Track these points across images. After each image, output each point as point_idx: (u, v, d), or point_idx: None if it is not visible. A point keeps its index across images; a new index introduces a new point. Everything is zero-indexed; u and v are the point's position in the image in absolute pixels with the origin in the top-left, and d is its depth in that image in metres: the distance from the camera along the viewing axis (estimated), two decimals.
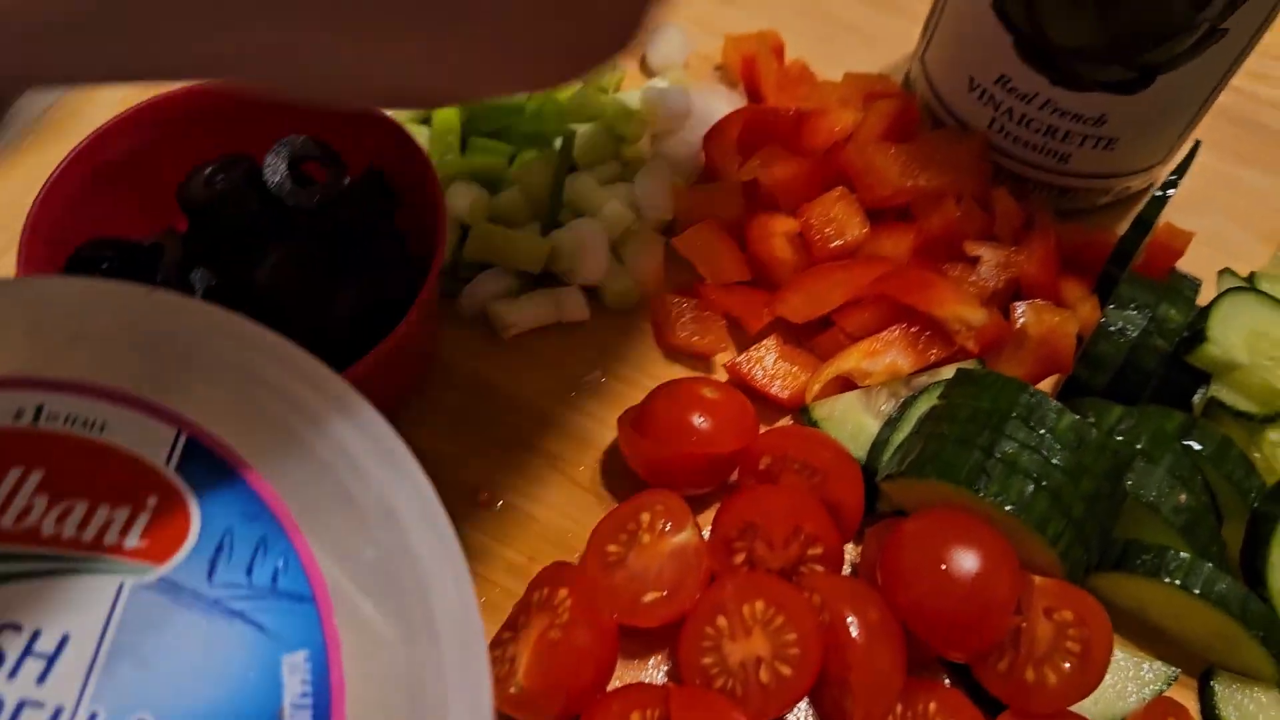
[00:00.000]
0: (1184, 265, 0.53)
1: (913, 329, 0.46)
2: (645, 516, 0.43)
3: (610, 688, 0.41)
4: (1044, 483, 0.41)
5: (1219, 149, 0.59)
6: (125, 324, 0.32)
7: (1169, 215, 0.54)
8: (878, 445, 0.45)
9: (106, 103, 0.54)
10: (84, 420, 0.31)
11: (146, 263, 0.44)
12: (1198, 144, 0.49)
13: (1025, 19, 0.45)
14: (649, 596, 0.41)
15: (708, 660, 0.40)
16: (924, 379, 0.47)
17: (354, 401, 0.32)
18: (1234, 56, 0.45)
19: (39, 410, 0.31)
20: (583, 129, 0.51)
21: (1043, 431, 0.42)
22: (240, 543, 0.29)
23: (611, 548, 0.43)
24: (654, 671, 0.42)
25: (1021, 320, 0.45)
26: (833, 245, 0.46)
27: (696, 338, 0.48)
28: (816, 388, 0.46)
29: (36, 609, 0.28)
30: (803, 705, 0.42)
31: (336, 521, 0.30)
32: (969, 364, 0.47)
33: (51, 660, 0.27)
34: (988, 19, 0.46)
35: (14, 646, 0.27)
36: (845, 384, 0.47)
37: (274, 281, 0.42)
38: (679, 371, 0.48)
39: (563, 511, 0.45)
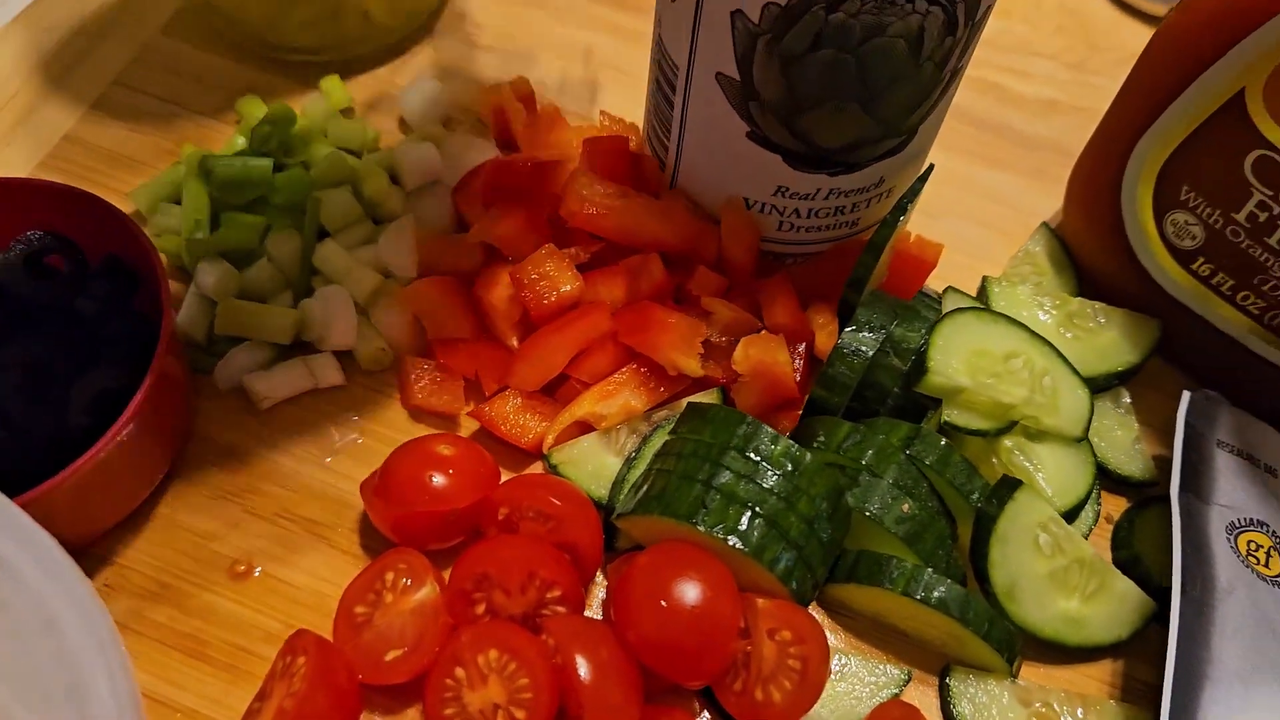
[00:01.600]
0: (942, 275, 0.55)
1: (642, 369, 0.48)
2: (389, 576, 0.44)
3: None
4: (759, 509, 0.42)
5: (967, 154, 0.62)
6: None
7: (919, 225, 0.57)
8: (617, 483, 0.47)
9: None
10: None
11: None
12: (929, 168, 0.51)
13: (789, 138, 0.46)
14: (390, 655, 0.43)
15: (449, 711, 0.41)
16: (664, 413, 0.49)
17: (21, 521, 0.33)
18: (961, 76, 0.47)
19: None
20: (329, 194, 0.53)
21: (757, 459, 0.43)
22: None
23: (359, 609, 0.44)
24: None
25: (737, 357, 0.47)
26: (545, 301, 0.48)
27: (434, 398, 0.49)
28: (550, 438, 0.47)
29: None
30: None
31: None
32: (709, 394, 0.49)
33: None
34: (747, 147, 0.47)
35: None
36: (589, 427, 0.48)
37: (4, 389, 0.43)
38: (426, 430, 0.50)
39: (321, 576, 0.46)
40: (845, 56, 0.42)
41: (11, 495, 0.37)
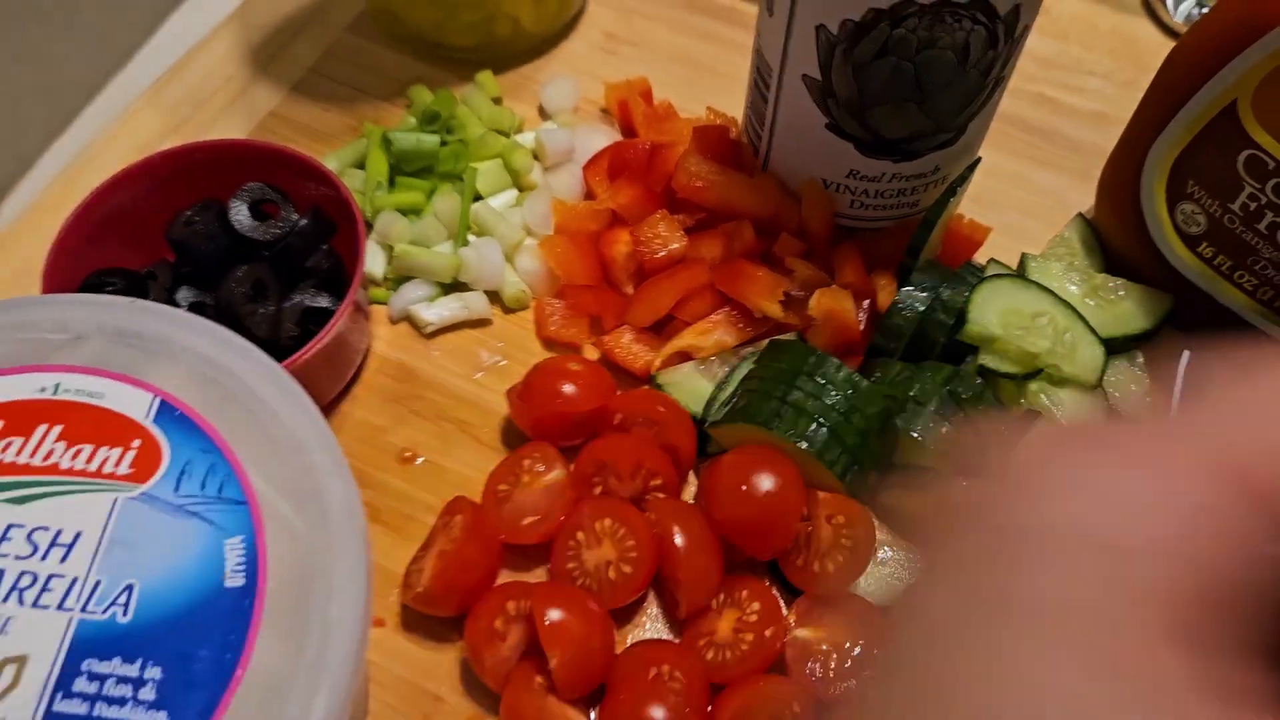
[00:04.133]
0: (988, 252, 0.65)
1: (734, 312, 0.59)
2: (526, 462, 0.56)
3: None
4: (823, 420, 0.53)
5: (1020, 155, 0.72)
6: (116, 325, 0.45)
7: (973, 212, 0.67)
8: (710, 401, 0.58)
9: (107, 163, 0.68)
10: (89, 391, 0.44)
11: (143, 285, 0.58)
12: (978, 160, 0.61)
13: (860, 129, 0.57)
14: (527, 520, 0.54)
15: (571, 565, 0.53)
16: (750, 349, 0.59)
17: (275, 371, 0.45)
18: (1008, 81, 0.58)
19: (57, 386, 0.44)
20: (484, 165, 0.65)
21: (823, 382, 0.54)
22: (196, 468, 0.42)
23: (501, 486, 0.55)
24: (537, 578, 0.55)
25: (811, 304, 0.58)
26: (658, 255, 0.59)
27: (564, 330, 0.61)
28: (658, 361, 0.58)
29: (59, 515, 0.41)
30: (653, 601, 0.54)
31: (263, 451, 0.43)
32: (787, 336, 0.60)
33: (69, 548, 0.40)
34: (825, 136, 0.57)
35: (44, 540, 0.40)
36: (688, 357, 0.59)
37: (233, 296, 0.55)
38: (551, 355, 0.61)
39: (470, 464, 0.58)
40: (905, 64, 0.53)
41: None
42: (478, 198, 0.65)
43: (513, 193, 0.66)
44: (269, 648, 0.39)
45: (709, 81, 0.73)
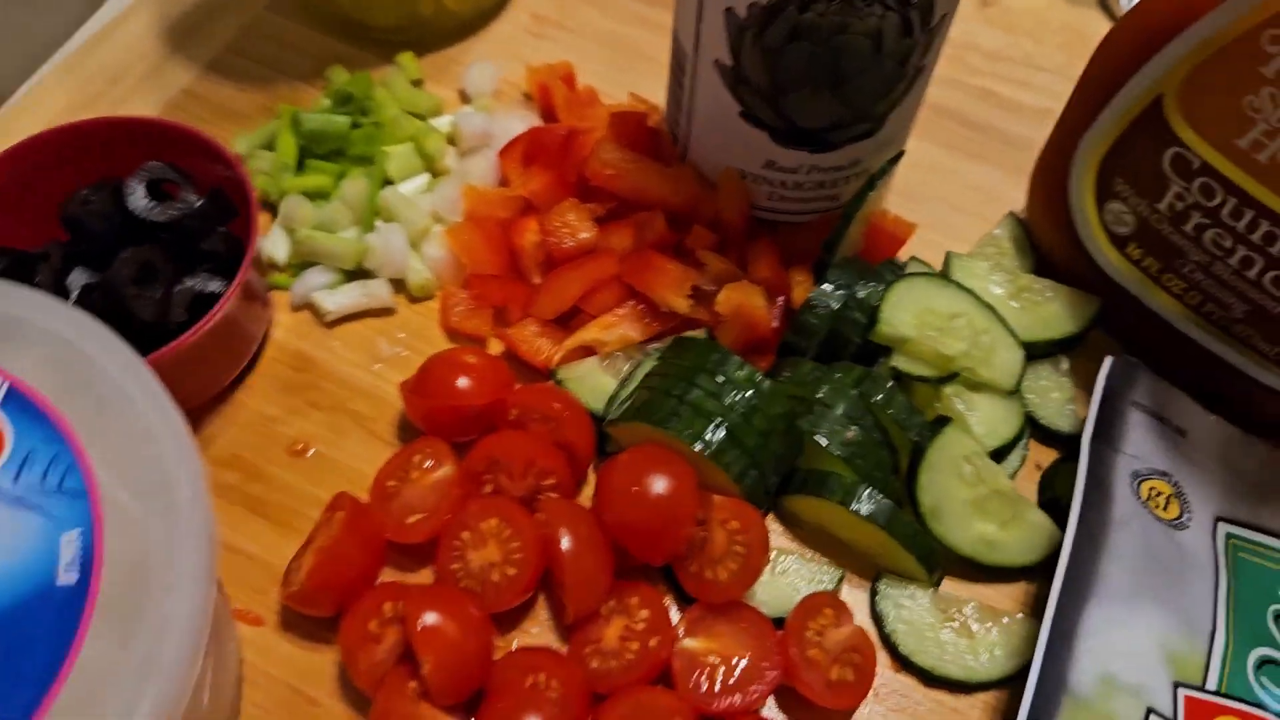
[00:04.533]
0: (914, 249, 0.63)
1: (640, 306, 0.57)
2: (416, 458, 0.54)
3: None
4: (722, 421, 0.51)
5: (951, 149, 0.70)
6: None
7: (902, 207, 0.65)
8: (611, 399, 0.56)
9: (11, 137, 0.66)
10: None
11: (31, 265, 0.55)
12: (900, 153, 0.59)
13: (775, 118, 0.54)
14: (412, 518, 0.52)
15: (455, 566, 0.51)
16: (656, 345, 0.57)
17: (132, 360, 0.43)
18: (931, 71, 0.55)
19: None
20: (396, 149, 0.63)
21: (723, 380, 0.52)
22: (38, 457, 0.40)
23: (390, 482, 0.53)
24: (423, 579, 0.53)
25: (720, 300, 0.55)
26: (565, 245, 0.57)
27: (467, 321, 0.59)
28: (558, 356, 0.56)
29: None
30: (543, 606, 0.52)
31: (111, 442, 0.41)
32: (695, 332, 0.57)
33: None
34: (740, 125, 0.55)
35: None
36: (592, 352, 0.57)
37: (119, 278, 0.53)
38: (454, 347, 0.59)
39: (362, 458, 0.56)
40: (817, 49, 0.50)
41: None
42: (388, 183, 0.63)
43: (424, 178, 0.63)
44: (98, 646, 0.38)
45: (639, 67, 0.70)
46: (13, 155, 0.56)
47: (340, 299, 0.59)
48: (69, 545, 0.39)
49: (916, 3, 0.49)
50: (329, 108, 0.65)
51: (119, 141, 0.58)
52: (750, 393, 0.52)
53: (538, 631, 0.52)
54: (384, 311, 0.60)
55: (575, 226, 0.58)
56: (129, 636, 0.38)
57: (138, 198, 0.56)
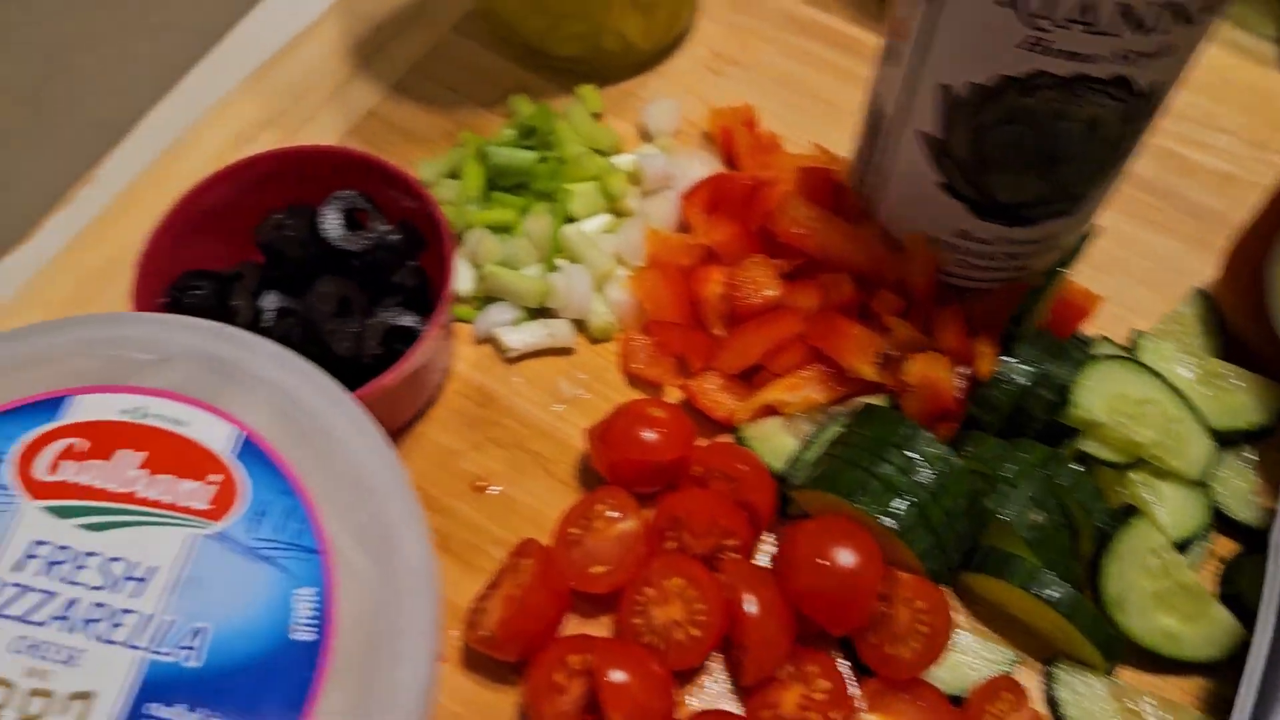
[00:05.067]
0: (1097, 321, 0.62)
1: (825, 369, 0.57)
2: (599, 507, 0.55)
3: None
4: (911, 499, 0.51)
5: (1134, 217, 0.68)
6: (204, 350, 0.45)
7: (1083, 275, 0.64)
8: (793, 461, 0.56)
9: (203, 150, 0.67)
10: (173, 418, 0.43)
11: (229, 288, 0.57)
12: (1093, 228, 0.58)
13: (975, 192, 0.54)
14: (596, 569, 0.53)
15: (637, 621, 0.51)
16: (839, 408, 0.57)
17: (354, 410, 0.44)
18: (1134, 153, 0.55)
19: (143, 410, 0.43)
20: (580, 187, 0.63)
21: (913, 456, 0.52)
22: (273, 510, 0.41)
23: (573, 530, 0.54)
24: (602, 629, 0.54)
25: (908, 371, 0.55)
26: (751, 301, 0.57)
27: (649, 368, 0.59)
28: (744, 414, 0.57)
29: (135, 547, 0.40)
30: (720, 666, 0.53)
31: (338, 496, 0.42)
32: (877, 399, 0.57)
33: (144, 582, 0.40)
34: (937, 194, 0.55)
35: (119, 571, 0.40)
36: (773, 410, 0.58)
37: (317, 311, 0.54)
38: (638, 394, 0.60)
39: (542, 499, 0.57)
40: (1032, 132, 0.50)
41: None
42: (568, 219, 0.63)
43: (606, 217, 0.64)
44: (332, 708, 0.39)
45: (816, 111, 0.70)
46: (213, 182, 0.58)
47: (524, 337, 0.60)
48: (303, 602, 0.40)
49: (1142, 92, 0.49)
50: (513, 140, 0.65)
51: (312, 168, 0.59)
52: (940, 471, 0.52)
53: (712, 689, 0.53)
54: (564, 351, 0.61)
55: (762, 283, 0.58)
56: (361, 702, 0.39)
57: (333, 226, 0.57)
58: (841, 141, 0.65)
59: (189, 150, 0.67)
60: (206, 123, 0.68)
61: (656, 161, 0.64)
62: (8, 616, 0.39)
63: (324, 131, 0.68)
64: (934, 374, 0.55)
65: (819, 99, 0.70)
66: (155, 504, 0.41)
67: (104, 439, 0.43)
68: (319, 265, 0.57)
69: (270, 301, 0.57)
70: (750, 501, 0.54)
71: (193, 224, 0.58)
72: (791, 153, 0.66)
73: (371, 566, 0.41)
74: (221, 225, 0.59)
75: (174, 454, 0.43)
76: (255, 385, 0.45)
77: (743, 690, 0.52)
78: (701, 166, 0.66)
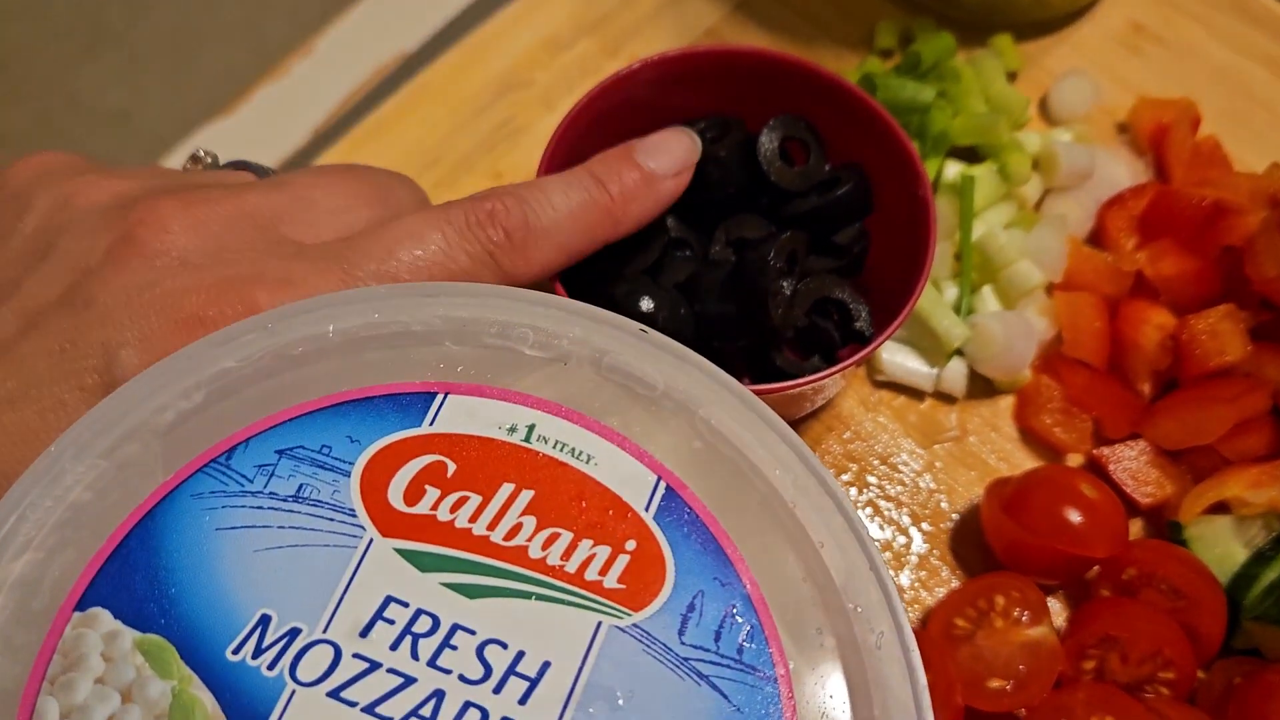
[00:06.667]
0: None
1: None
2: (1000, 600, 0.43)
3: None
4: None
5: None
6: (612, 359, 0.33)
7: None
8: (1244, 578, 0.44)
9: (510, 46, 0.55)
10: (573, 449, 0.32)
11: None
12: None
13: None
14: (995, 683, 0.42)
15: None
16: None
17: (816, 465, 0.32)
18: None
19: (530, 429, 0.32)
20: (978, 170, 0.50)
21: None
22: (710, 606, 0.30)
23: (959, 621, 0.43)
24: None
25: None
26: (1209, 363, 0.45)
27: (1059, 429, 0.47)
28: (1195, 507, 0.44)
29: (521, 630, 0.29)
30: None
31: (799, 603, 0.30)
32: None
33: (534, 683, 0.28)
34: None
35: (500, 662, 0.29)
36: (1215, 504, 0.45)
37: (766, 266, 0.41)
38: (1029, 452, 0.48)
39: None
40: None
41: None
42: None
43: (1009, 210, 0.51)
44: None
45: (1262, 123, 0.55)
46: (629, 76, 0.45)
47: (903, 365, 0.48)
48: None
49: None
50: (893, 73, 0.52)
51: (743, 77, 0.46)
52: None
53: None
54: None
55: (1226, 341, 0.45)
56: None
57: (773, 157, 0.44)
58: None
59: (488, 51, 0.55)
60: (514, 17, 0.55)
61: (1076, 154, 0.51)
62: (345, 702, 0.28)
63: (652, 47, 0.55)
64: None
65: (1268, 107, 0.56)
66: (550, 571, 0.30)
67: (479, 463, 0.31)
68: (743, 201, 0.45)
69: (672, 227, 0.45)
70: (1194, 625, 0.42)
71: (600, 123, 0.45)
72: (1241, 172, 0.52)
73: (843, 711, 0.30)
74: (631, 129, 0.45)
75: (573, 500, 0.31)
76: (675, 417, 0.33)
77: None
78: (1124, 171, 0.52)
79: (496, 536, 0.30)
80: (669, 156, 0.40)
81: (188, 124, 0.57)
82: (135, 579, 0.29)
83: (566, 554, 0.30)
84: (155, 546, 0.30)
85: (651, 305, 0.43)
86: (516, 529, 0.30)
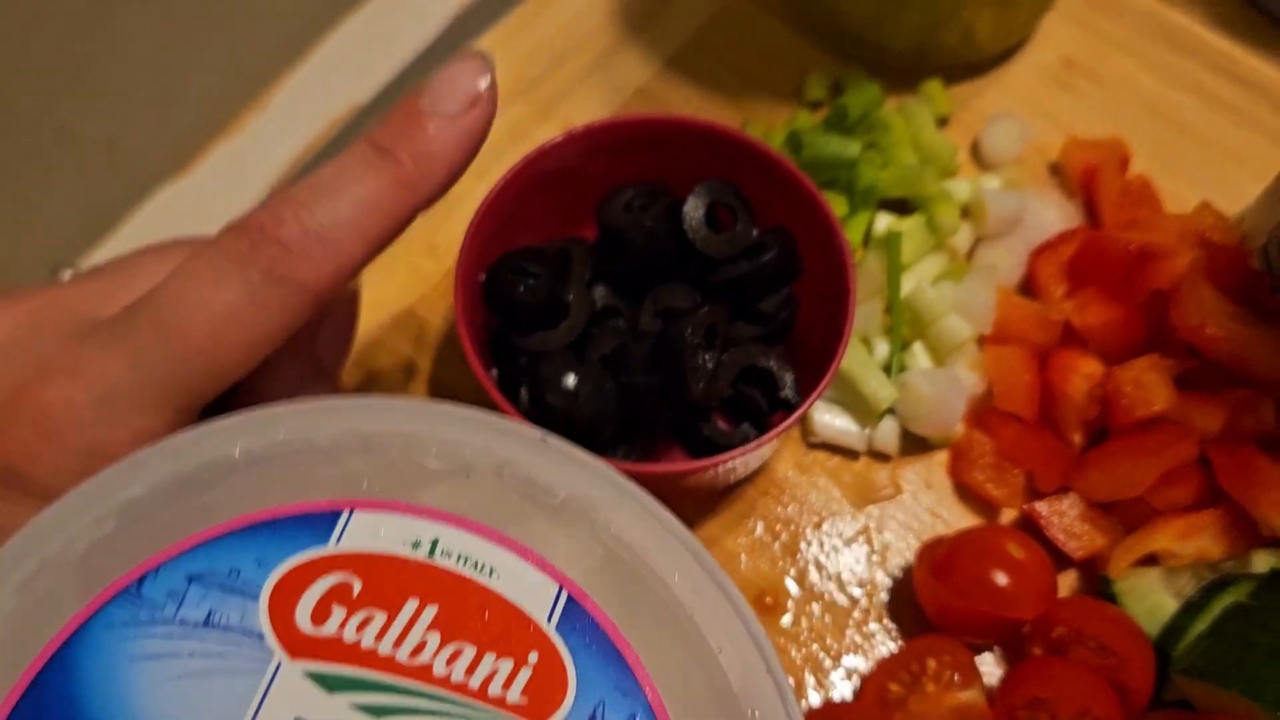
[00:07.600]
0: None
1: (1228, 517, 0.45)
2: (931, 663, 0.43)
3: None
4: None
5: None
6: (519, 468, 0.33)
7: None
8: (1175, 629, 0.44)
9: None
10: (475, 562, 0.32)
11: (557, 272, 0.44)
12: None
13: None
14: None
15: None
16: (1230, 565, 0.45)
17: (712, 567, 0.33)
18: None
19: (434, 543, 0.32)
20: (907, 225, 0.50)
21: None
22: (612, 716, 0.31)
23: (893, 686, 0.43)
24: None
25: None
26: (1136, 414, 0.45)
27: (991, 485, 0.47)
28: (1124, 561, 0.45)
29: None
30: None
31: (699, 710, 0.31)
32: None
33: None
34: None
35: None
36: (1145, 556, 0.46)
37: (682, 340, 0.41)
38: (963, 509, 0.48)
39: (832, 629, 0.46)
40: None
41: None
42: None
43: (939, 262, 0.51)
44: None
45: (1195, 156, 0.56)
46: (561, 145, 0.45)
47: (836, 423, 0.48)
48: None
49: None
50: (820, 128, 0.52)
51: (664, 143, 0.46)
52: None
53: None
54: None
55: (1151, 392, 0.46)
56: None
57: (699, 225, 0.44)
58: (1227, 199, 0.52)
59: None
60: None
61: (1004, 201, 0.51)
62: None
63: (583, 109, 0.56)
64: None
65: (1199, 140, 0.56)
66: (455, 688, 0.31)
67: (384, 580, 0.32)
68: (671, 268, 0.45)
69: (601, 294, 0.46)
70: (1123, 682, 0.43)
71: (528, 192, 0.46)
72: (1173, 213, 0.52)
73: None
74: (559, 196, 0.47)
75: (475, 614, 0.32)
76: (576, 525, 0.33)
77: None
78: (1055, 214, 0.52)
79: (402, 655, 0.31)
80: (457, 90, 0.33)
81: (176, 151, 0.56)
82: (52, 715, 0.30)
83: (470, 669, 0.31)
84: (70, 679, 0.30)
85: (574, 382, 0.43)
86: (421, 646, 0.31)
